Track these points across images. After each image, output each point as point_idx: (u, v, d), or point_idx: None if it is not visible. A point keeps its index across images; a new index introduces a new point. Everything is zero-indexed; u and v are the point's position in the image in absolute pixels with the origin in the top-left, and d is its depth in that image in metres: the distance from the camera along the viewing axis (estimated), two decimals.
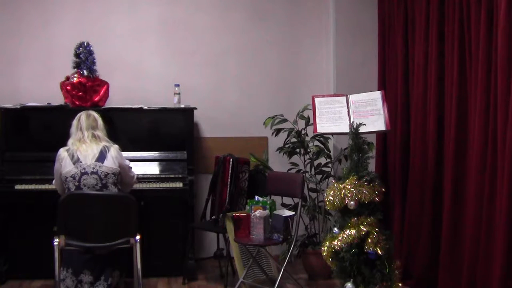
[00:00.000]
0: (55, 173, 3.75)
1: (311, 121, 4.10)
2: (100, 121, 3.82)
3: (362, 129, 3.67)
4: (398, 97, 4.54)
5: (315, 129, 3.96)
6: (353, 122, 3.74)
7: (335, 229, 3.62)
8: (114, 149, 3.75)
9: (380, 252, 3.40)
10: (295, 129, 4.71)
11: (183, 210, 4.53)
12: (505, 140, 3.27)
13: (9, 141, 4.50)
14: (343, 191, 3.49)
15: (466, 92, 3.76)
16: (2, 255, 4.41)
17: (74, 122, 3.79)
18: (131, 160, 4.41)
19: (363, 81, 4.85)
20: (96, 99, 4.64)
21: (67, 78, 4.63)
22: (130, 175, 3.91)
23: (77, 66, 4.60)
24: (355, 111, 3.85)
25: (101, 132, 3.78)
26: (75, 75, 4.58)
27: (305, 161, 4.78)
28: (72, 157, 3.64)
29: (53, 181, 3.85)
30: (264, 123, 4.82)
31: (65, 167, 3.63)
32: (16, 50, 4.94)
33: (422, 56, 4.20)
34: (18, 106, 4.55)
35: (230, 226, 4.16)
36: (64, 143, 3.76)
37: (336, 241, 3.50)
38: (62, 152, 3.68)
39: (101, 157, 3.67)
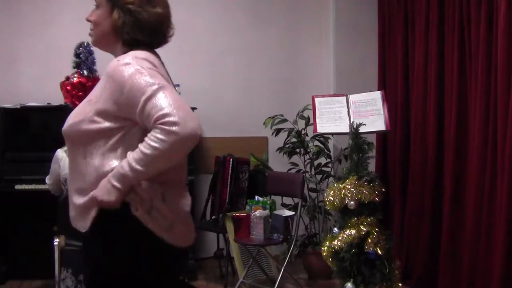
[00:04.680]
0: (52, 174, 3.74)
1: (311, 121, 4.10)
2: None
3: (362, 129, 3.67)
4: (398, 97, 4.53)
5: (315, 129, 3.96)
6: (353, 122, 3.74)
7: (335, 229, 3.62)
8: None
9: (380, 252, 3.40)
10: (295, 129, 4.71)
11: None
12: (505, 139, 3.27)
13: (9, 141, 4.50)
14: (343, 191, 3.49)
15: (466, 92, 3.76)
16: (2, 255, 4.41)
17: None
18: None
19: (363, 81, 4.85)
20: None
21: (67, 78, 4.63)
22: None
23: (77, 66, 4.60)
24: (355, 111, 3.85)
25: None
26: (75, 75, 4.58)
27: (305, 161, 4.78)
28: None
29: (47, 180, 3.82)
30: (264, 123, 4.82)
31: (64, 168, 3.63)
32: (16, 50, 4.94)
33: (422, 56, 4.20)
34: (18, 106, 4.55)
35: (230, 226, 4.16)
36: (64, 143, 3.76)
37: (336, 241, 3.50)
38: (60, 153, 3.68)
39: None
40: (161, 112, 1.66)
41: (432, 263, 4.04)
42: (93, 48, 4.64)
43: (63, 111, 4.49)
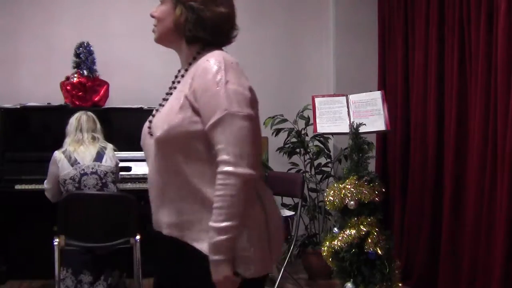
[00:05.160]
0: (50, 176, 3.71)
1: (311, 121, 4.10)
2: (98, 123, 3.83)
3: (362, 129, 3.67)
4: (398, 97, 4.53)
5: (315, 129, 3.96)
6: (353, 122, 3.74)
7: (335, 229, 3.62)
8: (110, 148, 3.77)
9: (380, 252, 3.41)
10: (295, 129, 4.71)
11: None
12: (505, 139, 3.27)
13: (9, 141, 4.50)
14: (343, 191, 3.49)
15: (466, 92, 3.76)
16: (2, 255, 4.41)
17: (73, 122, 3.78)
18: (131, 160, 4.41)
19: (363, 81, 4.85)
20: (96, 99, 4.64)
21: (67, 78, 4.63)
22: (119, 178, 3.94)
23: (77, 66, 4.60)
24: (355, 111, 3.85)
25: (100, 134, 3.79)
26: (75, 75, 4.58)
27: (305, 161, 4.78)
28: (69, 158, 3.63)
29: (45, 184, 3.80)
30: (264, 123, 4.81)
31: (63, 170, 3.62)
32: (16, 50, 4.94)
33: (422, 56, 4.20)
34: (18, 106, 4.55)
35: None
36: (61, 145, 3.76)
37: (336, 241, 3.51)
38: (58, 155, 3.66)
39: (99, 157, 3.67)
40: (222, 151, 1.59)
41: (432, 263, 4.04)
42: (93, 48, 4.65)
43: (63, 111, 4.49)
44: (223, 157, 1.58)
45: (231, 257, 1.61)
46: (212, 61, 1.72)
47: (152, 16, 1.87)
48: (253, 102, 1.72)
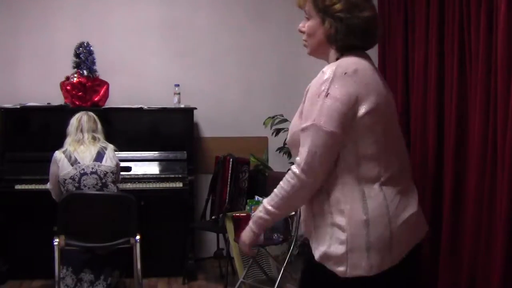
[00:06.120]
0: (51, 176, 3.74)
1: None
2: (99, 123, 3.84)
3: None
4: (398, 97, 4.53)
5: None
6: None
7: None
8: (110, 149, 3.78)
9: None
10: None
11: (183, 210, 4.53)
12: (505, 140, 3.27)
13: (9, 141, 4.50)
14: None
15: (466, 92, 3.76)
16: (2, 255, 4.41)
17: (74, 122, 3.79)
18: (131, 160, 4.42)
19: None
20: (96, 99, 4.64)
21: (67, 78, 4.63)
22: (119, 178, 3.95)
23: (77, 66, 4.61)
24: None
25: (101, 135, 3.81)
26: (75, 75, 4.59)
27: None
28: (69, 158, 3.64)
29: (48, 184, 3.82)
30: (264, 123, 4.82)
31: (63, 170, 3.63)
32: (16, 49, 4.94)
33: (422, 56, 4.19)
34: (18, 106, 4.56)
35: (230, 226, 4.17)
36: (62, 144, 3.77)
37: None
38: (58, 155, 3.68)
39: (99, 157, 3.68)
40: (300, 154, 1.81)
41: (432, 263, 4.04)
42: (93, 48, 4.65)
43: (63, 111, 4.50)
44: (297, 159, 1.81)
45: (258, 234, 1.90)
46: (324, 71, 1.90)
47: (301, 31, 2.04)
48: (352, 106, 1.82)
